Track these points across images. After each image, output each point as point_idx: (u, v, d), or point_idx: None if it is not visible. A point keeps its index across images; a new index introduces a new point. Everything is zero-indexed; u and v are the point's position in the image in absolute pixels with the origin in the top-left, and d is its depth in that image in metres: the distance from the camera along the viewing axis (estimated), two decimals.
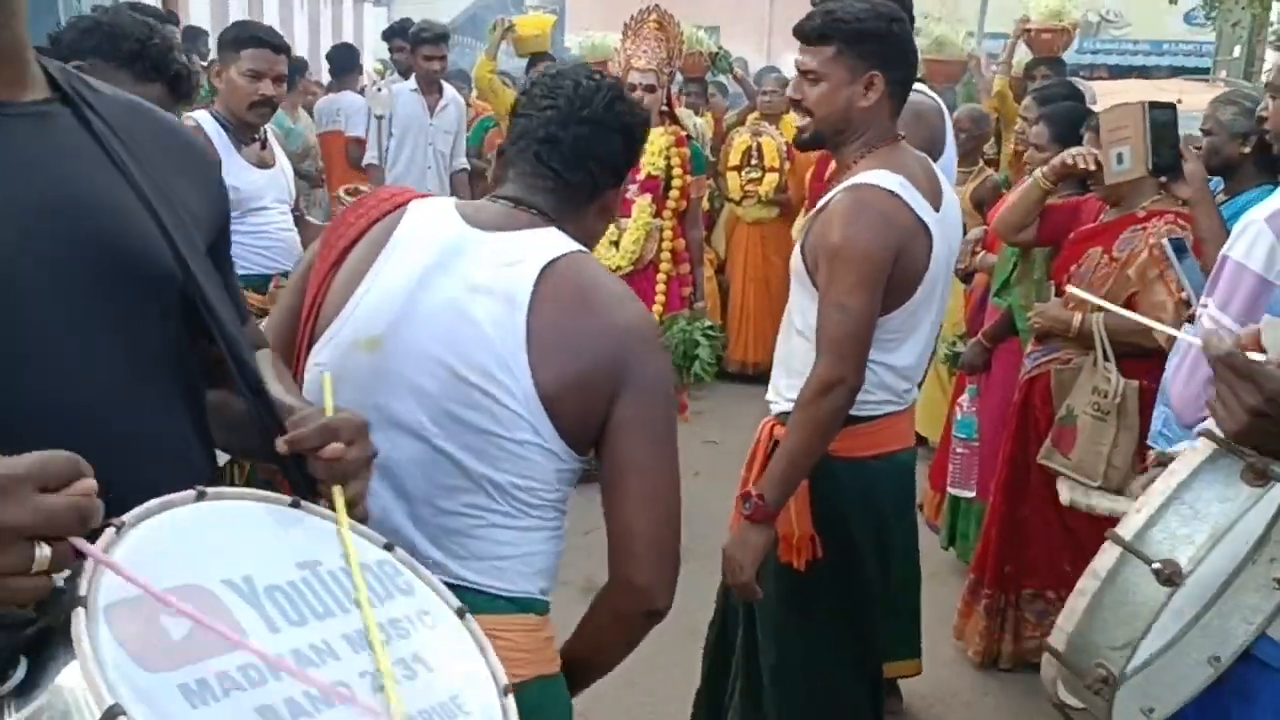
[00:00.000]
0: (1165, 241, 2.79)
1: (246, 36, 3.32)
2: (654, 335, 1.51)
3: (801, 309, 2.29)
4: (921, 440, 5.54)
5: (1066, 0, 5.78)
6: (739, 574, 2.22)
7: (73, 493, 0.77)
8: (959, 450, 4.07)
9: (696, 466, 4.55)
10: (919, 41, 6.21)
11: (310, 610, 0.90)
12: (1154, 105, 2.96)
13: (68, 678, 0.74)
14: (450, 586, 1.35)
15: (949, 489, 4.14)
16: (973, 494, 4.02)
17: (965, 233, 3.51)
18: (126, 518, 0.84)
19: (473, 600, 1.40)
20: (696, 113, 6.50)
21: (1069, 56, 6.94)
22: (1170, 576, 1.26)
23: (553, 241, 1.49)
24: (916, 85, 2.98)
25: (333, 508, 1.01)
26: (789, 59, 8.51)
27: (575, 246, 1.50)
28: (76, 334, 0.96)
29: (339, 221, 1.56)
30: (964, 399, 4.05)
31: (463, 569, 1.43)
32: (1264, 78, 2.45)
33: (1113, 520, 1.37)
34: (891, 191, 2.16)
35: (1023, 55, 5.87)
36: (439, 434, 1.42)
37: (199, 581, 0.84)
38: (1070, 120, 3.53)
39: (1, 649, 0.77)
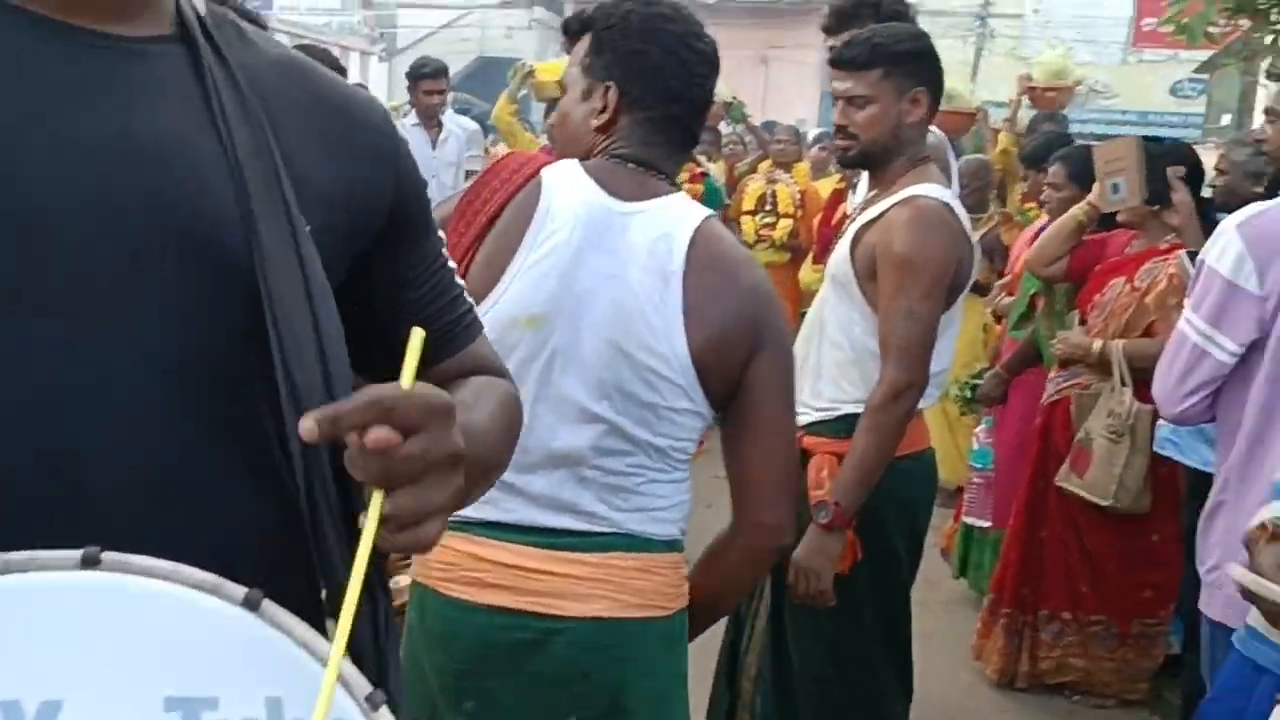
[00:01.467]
0: (1183, 253, 2.93)
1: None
2: (775, 294, 1.61)
3: (841, 320, 2.37)
4: None
5: (1067, 60, 6.04)
6: (817, 582, 2.26)
7: None
8: (975, 480, 4.19)
9: (709, 499, 4.63)
10: None
11: None
12: (1146, 139, 3.18)
13: None
14: (612, 535, 1.53)
15: (963, 518, 4.25)
16: (988, 523, 4.12)
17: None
18: None
19: (631, 543, 1.54)
20: (709, 159, 6.69)
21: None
22: None
23: (688, 210, 1.57)
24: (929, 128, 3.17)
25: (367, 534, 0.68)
26: (783, 117, 8.70)
27: (705, 211, 1.58)
28: (88, 308, 0.73)
29: (473, 196, 1.60)
30: (980, 430, 4.18)
31: (625, 519, 1.54)
32: (1264, 103, 2.61)
33: None
34: (946, 203, 2.29)
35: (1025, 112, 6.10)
36: (605, 406, 1.51)
37: None
38: (1086, 159, 3.70)
39: None
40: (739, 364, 1.52)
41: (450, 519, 1.56)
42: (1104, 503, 3.18)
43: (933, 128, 3.21)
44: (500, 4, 26.25)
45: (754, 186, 6.77)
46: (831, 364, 2.39)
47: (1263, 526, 1.41)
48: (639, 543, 1.54)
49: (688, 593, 1.60)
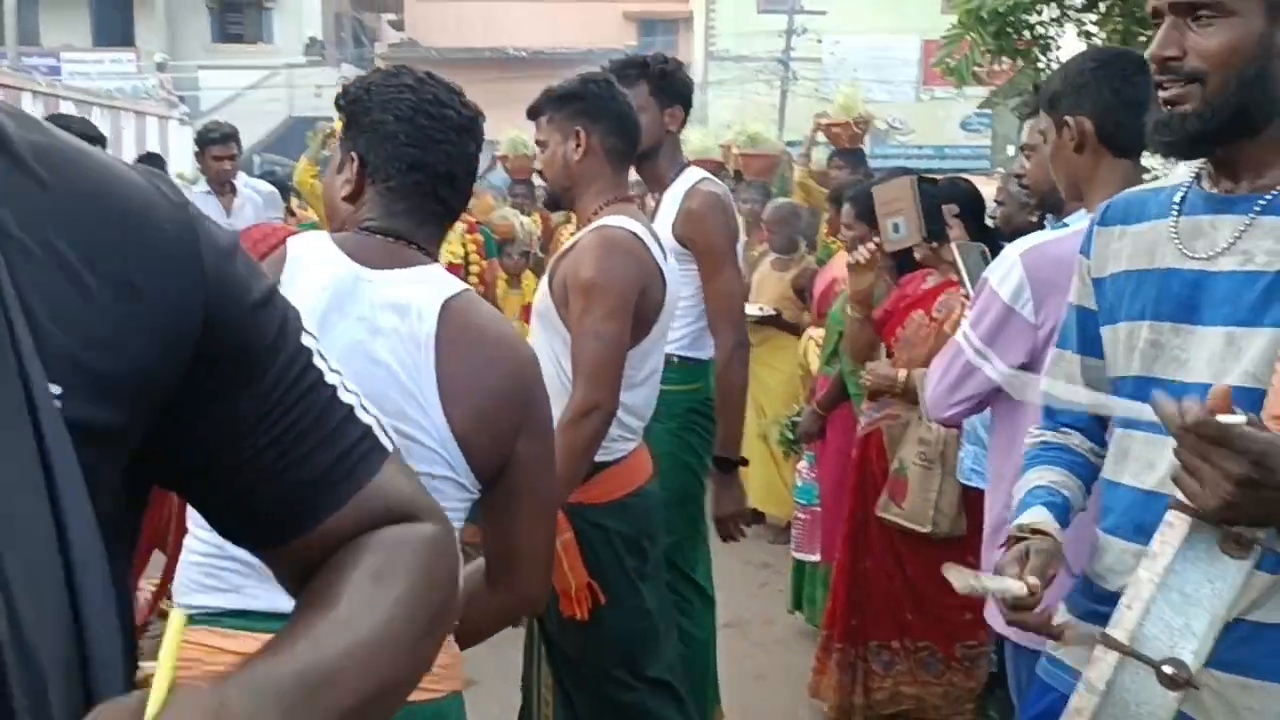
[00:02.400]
0: (954, 245, 3.02)
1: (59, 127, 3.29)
2: (540, 371, 1.61)
3: (547, 351, 2.39)
4: (759, 516, 5.74)
5: (855, 98, 6.32)
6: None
7: None
8: (800, 515, 4.24)
9: None
10: (736, 139, 6.64)
11: None
12: (920, 179, 3.29)
13: None
14: None
15: (793, 554, 4.29)
16: (816, 557, 4.17)
17: None
18: None
19: None
20: (524, 213, 6.65)
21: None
22: (1186, 680, 1.15)
23: (442, 281, 1.56)
24: (708, 175, 3.20)
25: None
26: None
27: (462, 285, 1.58)
28: None
29: None
30: (802, 465, 4.24)
31: None
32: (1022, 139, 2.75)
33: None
34: (634, 233, 2.38)
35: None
36: None
37: None
38: (871, 198, 3.82)
39: None
40: (505, 441, 1.52)
41: (194, 610, 1.34)
42: (923, 529, 3.24)
43: (712, 177, 3.27)
44: (307, 63, 25.82)
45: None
46: None
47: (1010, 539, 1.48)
48: None
49: (460, 672, 1.57)
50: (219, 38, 27.01)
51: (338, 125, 6.23)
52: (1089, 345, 1.63)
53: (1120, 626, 1.18)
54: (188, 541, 1.53)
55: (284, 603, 1.39)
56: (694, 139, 6.95)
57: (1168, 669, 1.14)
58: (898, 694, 3.53)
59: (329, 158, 6.46)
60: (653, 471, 2.60)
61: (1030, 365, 2.10)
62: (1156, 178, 2.31)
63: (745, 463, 2.96)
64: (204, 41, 26.58)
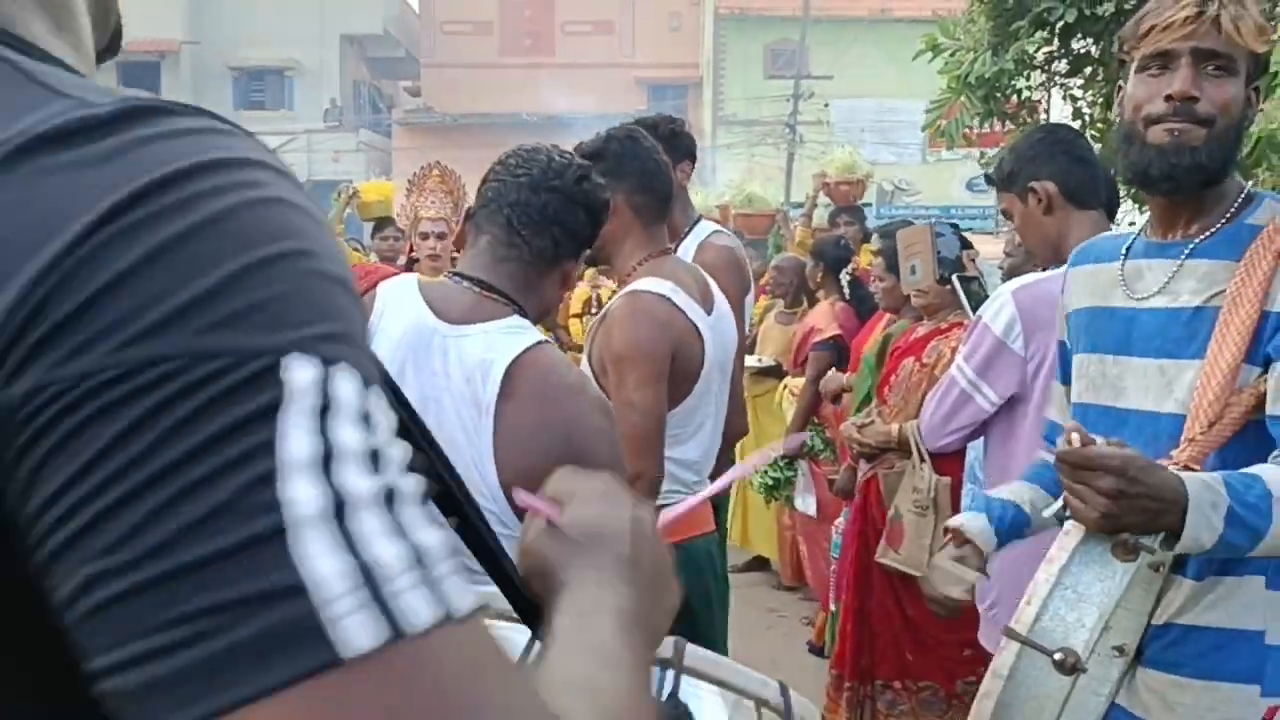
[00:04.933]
0: (954, 277, 3.20)
1: None
2: (605, 419, 1.64)
3: None
4: (765, 562, 5.87)
5: (856, 156, 6.55)
6: None
7: None
8: (837, 570, 4.35)
9: None
10: (733, 199, 6.86)
11: None
12: (937, 223, 3.54)
13: None
14: None
15: (831, 606, 4.40)
16: None
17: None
18: None
19: None
20: None
21: (870, 221, 7.82)
22: (1073, 665, 1.31)
23: (516, 335, 1.62)
24: (721, 229, 3.35)
25: None
26: None
27: (537, 337, 1.64)
28: None
29: None
30: (840, 522, 4.37)
31: None
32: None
33: None
34: (663, 295, 2.35)
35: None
36: None
37: None
38: (891, 250, 4.01)
39: None
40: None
41: None
42: (918, 574, 3.36)
43: (726, 230, 3.43)
44: (326, 129, 26.35)
45: (579, 291, 6.96)
46: None
47: (952, 531, 1.65)
48: None
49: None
50: (242, 105, 27.61)
51: (356, 185, 6.44)
52: (1069, 376, 1.77)
53: (1020, 620, 1.35)
54: None
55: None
56: (695, 200, 7.17)
57: (1059, 656, 1.31)
58: None
59: (351, 216, 6.62)
60: (711, 529, 2.53)
61: (1020, 396, 2.27)
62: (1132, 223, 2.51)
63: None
64: (227, 109, 27.15)
